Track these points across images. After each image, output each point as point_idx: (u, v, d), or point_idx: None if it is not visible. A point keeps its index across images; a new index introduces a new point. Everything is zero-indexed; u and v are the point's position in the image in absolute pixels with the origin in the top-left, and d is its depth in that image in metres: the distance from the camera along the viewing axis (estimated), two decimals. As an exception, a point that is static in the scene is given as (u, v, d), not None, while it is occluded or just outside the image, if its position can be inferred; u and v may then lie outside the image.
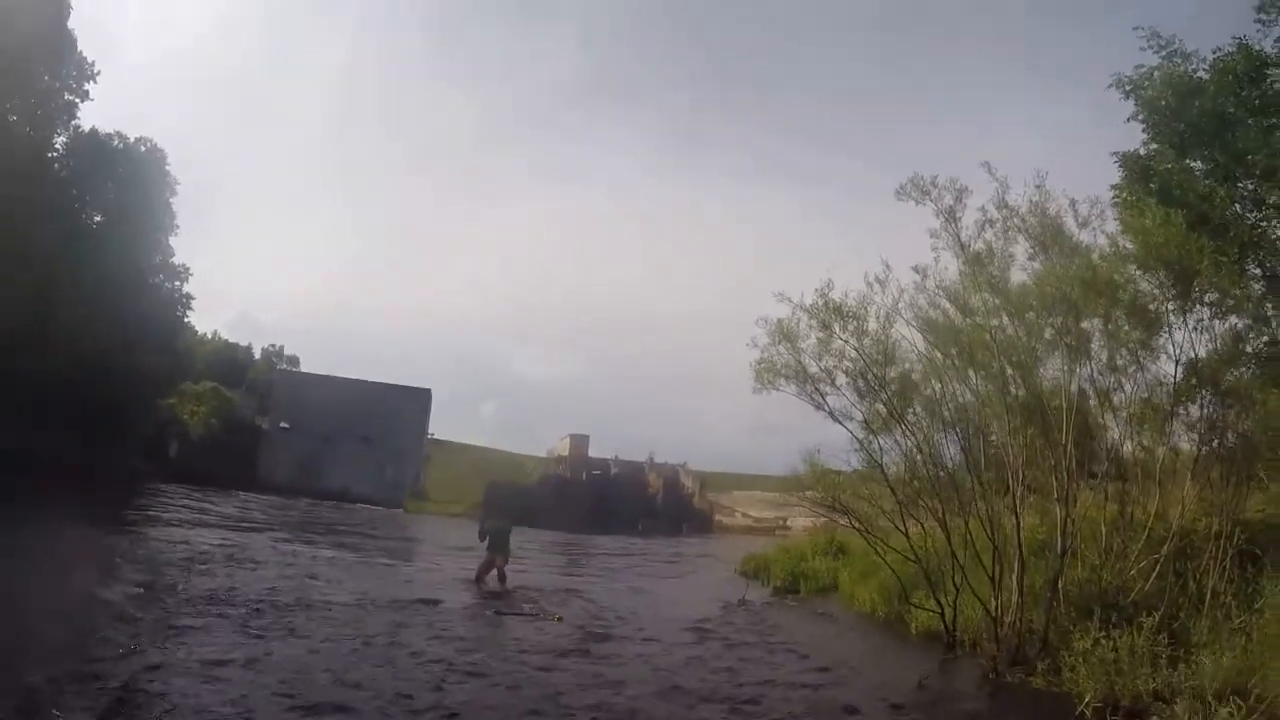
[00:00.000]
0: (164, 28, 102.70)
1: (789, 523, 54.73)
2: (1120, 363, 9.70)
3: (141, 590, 9.89)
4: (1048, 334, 9.54)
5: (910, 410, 9.92)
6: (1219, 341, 9.57)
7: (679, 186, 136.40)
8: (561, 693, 7.16)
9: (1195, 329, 9.36)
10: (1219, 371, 9.33)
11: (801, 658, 9.54)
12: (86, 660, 6.58)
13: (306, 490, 45.58)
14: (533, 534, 29.95)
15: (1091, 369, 9.58)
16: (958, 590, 9.84)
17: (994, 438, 9.75)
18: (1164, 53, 12.39)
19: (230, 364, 59.59)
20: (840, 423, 9.99)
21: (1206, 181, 12.23)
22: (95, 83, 30.90)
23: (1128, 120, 12.60)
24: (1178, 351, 9.35)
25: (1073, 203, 9.45)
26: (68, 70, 30.14)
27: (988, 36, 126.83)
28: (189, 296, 37.72)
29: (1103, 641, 7.51)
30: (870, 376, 9.68)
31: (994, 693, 8.08)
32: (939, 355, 9.73)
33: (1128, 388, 9.80)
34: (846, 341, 9.63)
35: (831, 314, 9.66)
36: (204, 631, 8.16)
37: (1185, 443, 9.83)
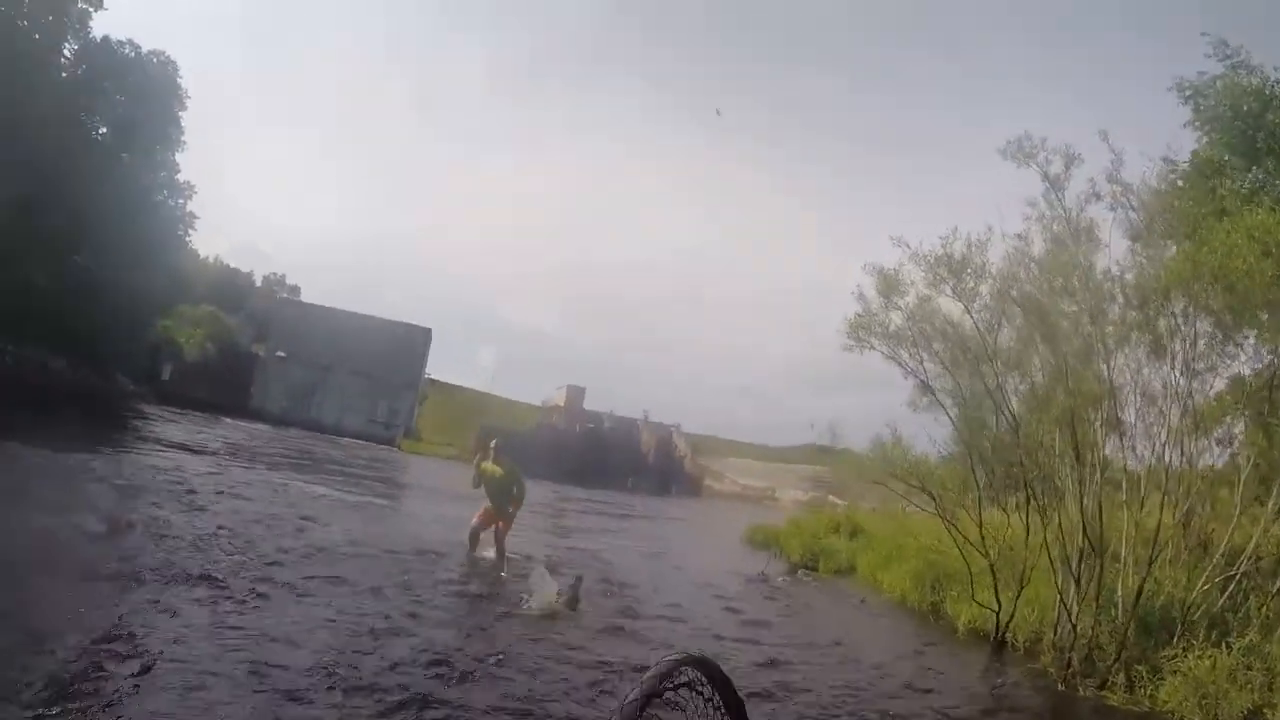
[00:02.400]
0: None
1: (777, 494, 54.73)
2: (1199, 367, 8.75)
3: (105, 528, 8.54)
4: (1134, 328, 8.68)
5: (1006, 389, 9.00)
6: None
7: (693, 148, 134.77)
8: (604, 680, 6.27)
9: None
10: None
11: (849, 651, 8.71)
12: (23, 625, 5.27)
13: (299, 421, 44.74)
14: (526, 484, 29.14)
15: (1173, 371, 8.64)
16: (1022, 588, 9.10)
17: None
18: (1229, 62, 12.10)
19: (231, 289, 58.03)
20: (933, 394, 9.12)
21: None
22: (111, -8, 29.42)
23: (1184, 125, 12.37)
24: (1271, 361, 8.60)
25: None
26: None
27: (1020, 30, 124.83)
28: (192, 215, 36.47)
29: (1202, 659, 6.79)
30: (975, 346, 8.73)
31: (1074, 709, 7.30)
32: (1035, 334, 8.77)
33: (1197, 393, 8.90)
34: (962, 302, 8.67)
35: (950, 269, 8.64)
36: (172, 584, 6.82)
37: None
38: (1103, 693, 7.50)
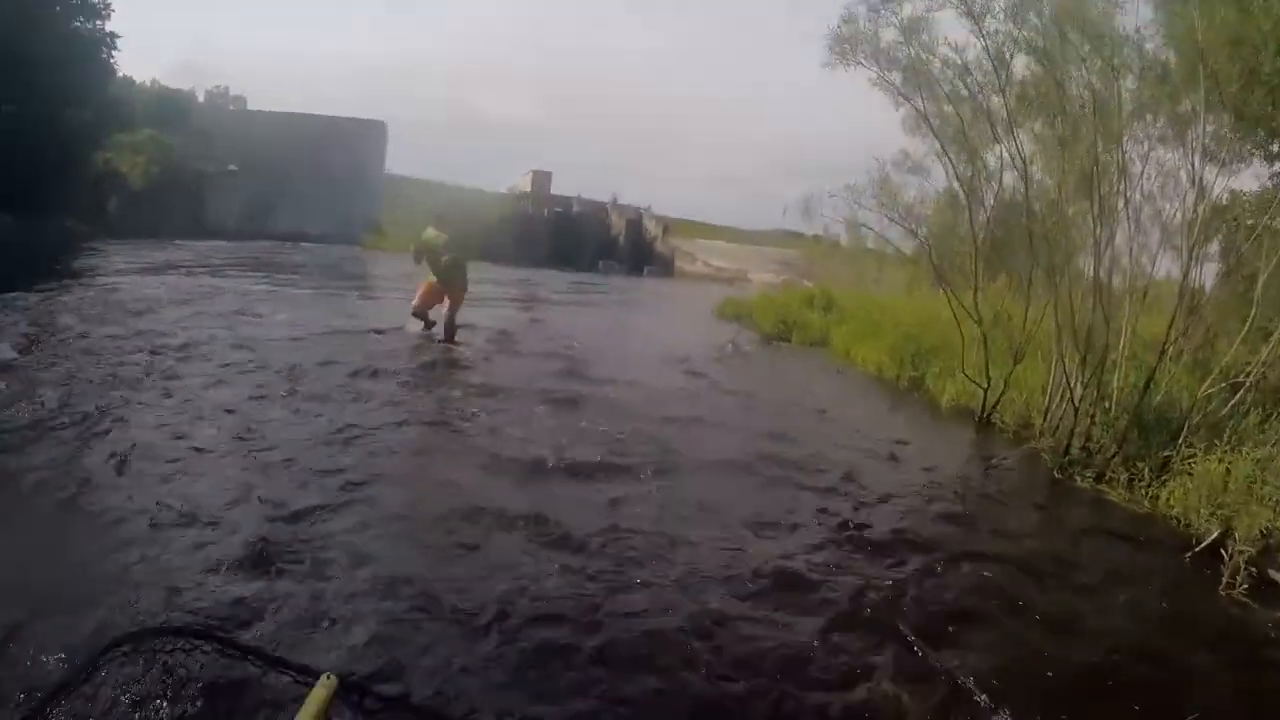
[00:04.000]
0: None
1: (750, 275, 54.38)
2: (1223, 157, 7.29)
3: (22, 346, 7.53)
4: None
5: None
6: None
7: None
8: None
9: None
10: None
11: (835, 420, 8.27)
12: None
13: (258, 234, 42.57)
14: (493, 269, 28.32)
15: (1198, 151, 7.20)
16: (1015, 364, 8.38)
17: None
18: None
19: (172, 110, 52.83)
20: (931, 127, 7.80)
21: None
22: None
23: None
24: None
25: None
26: None
27: None
28: (113, 35, 31.64)
29: (1220, 463, 5.91)
30: (985, 77, 7.29)
31: (1074, 500, 6.60)
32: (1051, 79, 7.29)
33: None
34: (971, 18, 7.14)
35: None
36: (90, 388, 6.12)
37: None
38: (1100, 486, 6.73)
